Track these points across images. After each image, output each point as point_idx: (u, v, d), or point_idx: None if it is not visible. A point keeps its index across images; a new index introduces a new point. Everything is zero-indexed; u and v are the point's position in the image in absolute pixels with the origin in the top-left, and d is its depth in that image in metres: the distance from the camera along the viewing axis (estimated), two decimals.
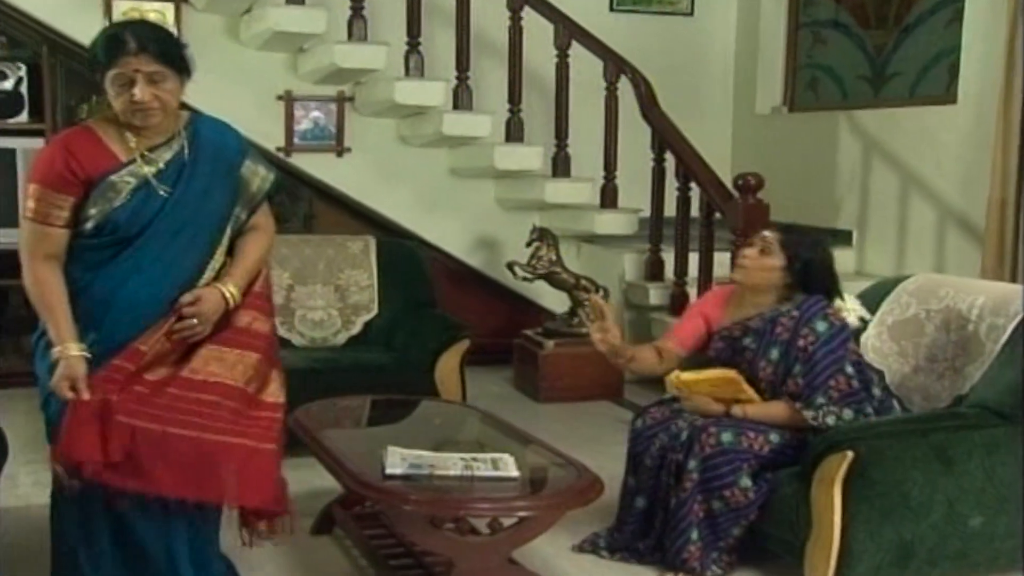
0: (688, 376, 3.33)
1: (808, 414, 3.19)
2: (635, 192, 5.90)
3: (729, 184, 5.22)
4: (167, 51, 2.53)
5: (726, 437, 3.19)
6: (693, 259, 5.47)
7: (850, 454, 2.98)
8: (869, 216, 6.11)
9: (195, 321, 2.57)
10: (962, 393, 3.36)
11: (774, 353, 3.30)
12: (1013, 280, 4.91)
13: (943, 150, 5.61)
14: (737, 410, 3.29)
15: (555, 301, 5.92)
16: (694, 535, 3.19)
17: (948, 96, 5.63)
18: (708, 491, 3.18)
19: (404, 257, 5.15)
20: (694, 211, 5.48)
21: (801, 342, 3.23)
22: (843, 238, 6.09)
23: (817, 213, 6.26)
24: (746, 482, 3.16)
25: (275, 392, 2.75)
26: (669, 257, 5.69)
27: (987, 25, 5.29)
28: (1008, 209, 5.01)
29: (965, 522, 3.09)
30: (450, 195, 6.10)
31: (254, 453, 2.60)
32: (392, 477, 2.86)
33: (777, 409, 3.27)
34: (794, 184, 6.22)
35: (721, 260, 5.24)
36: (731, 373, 3.30)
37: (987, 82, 5.25)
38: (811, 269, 3.33)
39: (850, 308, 3.41)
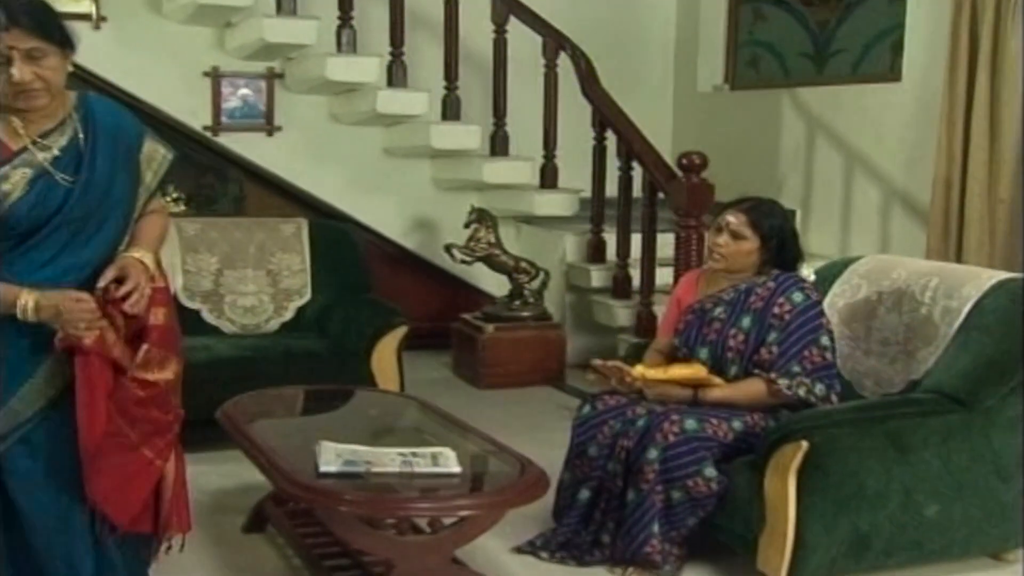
0: (654, 374, 3.22)
1: (783, 383, 3.10)
2: (576, 172, 5.77)
3: (672, 163, 5.10)
4: (43, 23, 2.25)
5: (689, 424, 3.07)
6: (636, 240, 5.36)
7: (805, 444, 2.87)
8: (813, 196, 6.05)
9: (135, 294, 2.36)
10: (916, 378, 3.27)
11: (745, 321, 3.21)
12: (958, 260, 4.85)
13: (887, 128, 5.55)
14: (705, 395, 3.18)
15: (495, 284, 5.79)
16: (655, 528, 3.07)
17: (892, 74, 5.57)
18: (669, 481, 3.05)
19: (338, 240, 4.98)
20: (636, 191, 5.36)
21: (776, 310, 3.17)
22: None
23: (760, 193, 6.04)
24: (710, 472, 3.04)
25: None
26: (611, 238, 5.57)
27: (931, 1, 5.21)
28: (953, 188, 4.95)
29: (921, 511, 3.00)
30: (385, 175, 5.94)
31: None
32: (326, 475, 2.70)
33: (748, 387, 3.17)
34: (736, 163, 6.11)
35: (664, 241, 5.18)
36: (699, 372, 3.19)
37: (931, 59, 5.19)
38: (784, 238, 3.28)
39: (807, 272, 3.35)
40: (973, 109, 4.83)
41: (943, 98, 4.95)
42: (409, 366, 4.63)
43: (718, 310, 3.29)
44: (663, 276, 5.17)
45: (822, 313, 3.20)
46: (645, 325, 5.20)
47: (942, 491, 3.01)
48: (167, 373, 2.41)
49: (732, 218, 3.27)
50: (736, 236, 3.25)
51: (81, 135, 2.37)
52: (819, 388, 3.10)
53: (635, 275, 5.39)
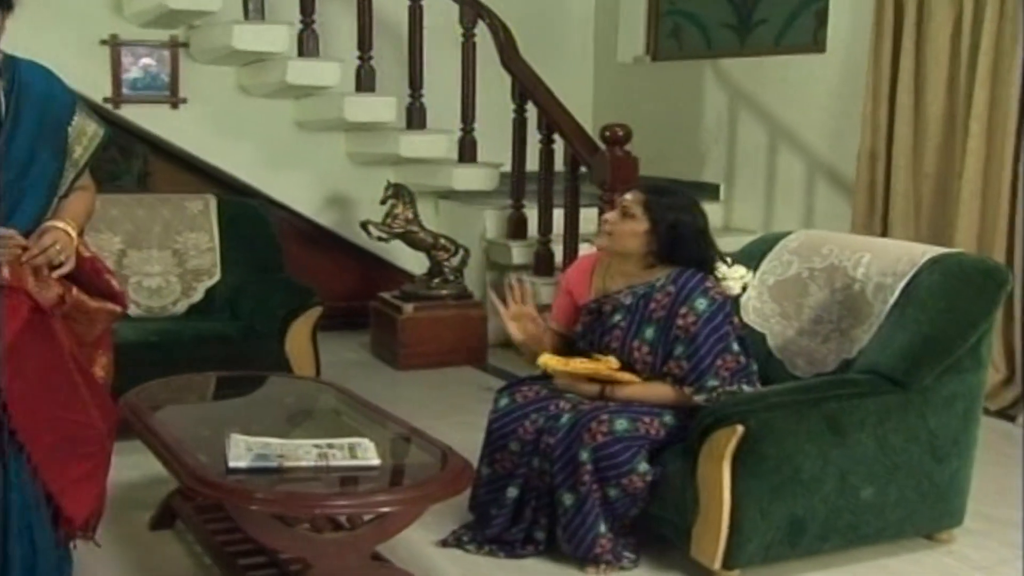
0: (556, 365, 3.08)
1: (700, 398, 2.95)
2: (495, 145, 5.62)
3: (594, 136, 4.97)
4: None
5: (620, 424, 2.93)
6: (558, 215, 5.24)
7: (740, 428, 2.76)
8: (736, 169, 5.96)
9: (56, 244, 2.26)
10: (849, 357, 3.18)
11: (648, 332, 3.04)
12: (884, 234, 4.81)
13: (812, 101, 5.48)
14: (612, 391, 3.04)
15: (413, 262, 5.62)
16: (602, 528, 2.93)
17: (816, 45, 5.49)
18: (604, 480, 2.91)
19: (248, 217, 4.77)
20: (558, 165, 5.24)
21: (680, 321, 2.98)
22: (710, 192, 5.93)
23: (683, 166, 6.09)
24: (643, 467, 2.91)
25: None
26: (532, 213, 5.44)
27: None
28: (878, 162, 4.89)
29: (857, 494, 2.93)
30: (297, 149, 5.72)
31: None
32: (236, 471, 2.52)
33: (660, 390, 3.02)
34: (658, 136, 6.00)
35: (588, 216, 5.06)
36: (604, 367, 3.05)
37: (856, 30, 5.12)
38: (678, 233, 3.02)
39: (734, 276, 3.17)
40: (898, 81, 4.77)
41: (868, 69, 4.89)
42: (325, 348, 4.47)
43: (617, 316, 3.10)
44: (586, 252, 5.02)
45: (729, 315, 3.02)
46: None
47: (878, 473, 2.94)
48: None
49: (629, 195, 3.11)
50: (626, 215, 3.07)
51: (4, 103, 2.17)
52: (745, 389, 2.96)
53: (557, 251, 5.27)
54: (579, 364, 3.06)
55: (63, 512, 2.37)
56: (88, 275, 2.45)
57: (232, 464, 2.53)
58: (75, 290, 2.38)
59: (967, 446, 3.08)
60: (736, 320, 3.07)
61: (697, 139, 6.20)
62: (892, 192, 4.83)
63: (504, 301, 3.24)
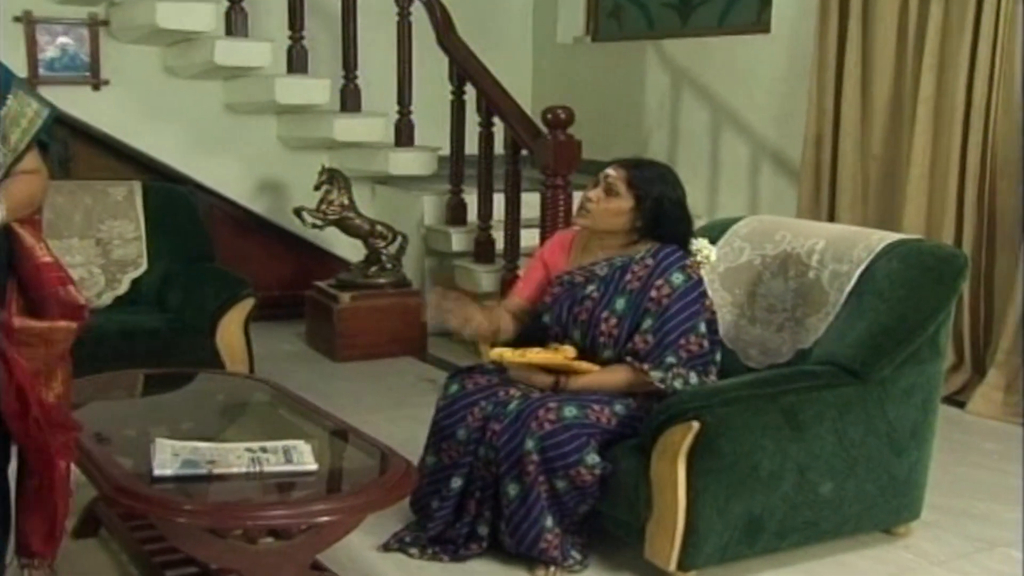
0: (511, 357, 2.93)
1: (656, 375, 2.83)
2: (433, 128, 5.48)
3: (535, 118, 4.83)
4: None
5: (569, 411, 2.80)
6: (498, 201, 5.11)
7: (696, 425, 2.64)
8: (680, 153, 5.84)
9: None
10: (805, 347, 3.08)
11: (619, 303, 2.93)
12: (831, 219, 4.73)
13: (756, 82, 5.39)
14: (567, 382, 2.91)
15: (349, 249, 5.46)
16: (548, 522, 2.80)
17: (760, 25, 5.40)
18: (551, 471, 2.78)
19: (176, 204, 4.58)
20: (498, 148, 5.11)
21: (654, 293, 2.88)
22: None
23: (624, 149, 5.86)
24: (592, 459, 2.78)
25: None
26: (472, 199, 5.31)
27: None
28: (824, 145, 4.81)
29: (815, 489, 2.83)
30: (227, 133, 5.52)
31: None
32: (161, 480, 2.34)
33: (615, 376, 2.90)
34: (599, 119, 5.87)
35: (529, 201, 4.93)
36: (560, 357, 2.91)
37: (802, 10, 5.03)
38: (663, 208, 2.94)
39: (703, 249, 3.05)
40: (845, 63, 4.69)
41: (814, 50, 4.81)
42: (260, 339, 4.31)
43: (590, 287, 3.00)
44: (528, 238, 4.93)
45: (704, 295, 2.93)
46: (510, 290, 4.93)
47: (837, 467, 2.84)
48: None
49: (612, 171, 2.98)
50: (609, 192, 2.96)
51: None
52: (692, 377, 2.85)
53: (498, 238, 5.15)
54: (535, 355, 2.93)
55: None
56: (40, 285, 2.28)
57: (157, 472, 2.35)
58: (16, 319, 2.23)
59: (925, 438, 3.00)
60: (709, 302, 2.96)
61: (639, 122, 6.08)
62: (839, 176, 4.75)
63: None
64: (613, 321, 2.93)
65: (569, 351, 2.93)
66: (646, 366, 2.84)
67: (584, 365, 2.91)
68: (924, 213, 4.44)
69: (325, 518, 2.29)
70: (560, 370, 2.91)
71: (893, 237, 3.08)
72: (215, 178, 5.49)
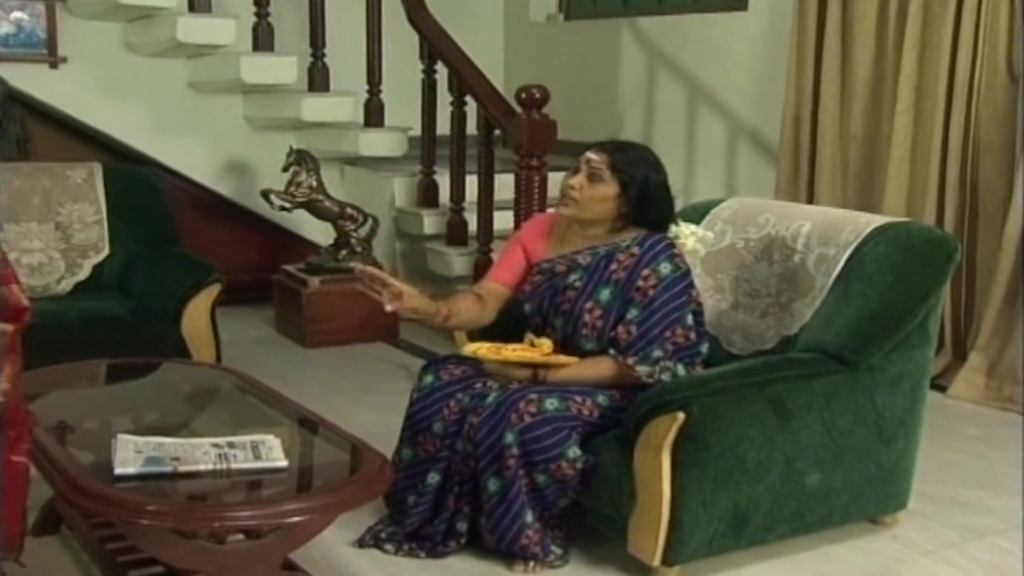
0: (486, 354, 2.83)
1: (643, 370, 2.74)
2: (404, 108, 5.36)
3: (508, 97, 4.71)
4: None
5: (550, 403, 2.70)
6: (471, 182, 4.99)
7: (681, 415, 2.55)
8: (655, 132, 5.74)
9: None
10: (790, 333, 3.00)
11: (604, 293, 2.83)
12: (810, 200, 4.65)
13: (733, 61, 5.29)
14: (545, 375, 2.81)
15: (319, 232, 5.34)
16: (529, 518, 2.70)
17: (738, 2, 5.29)
18: (531, 465, 2.68)
19: (138, 186, 4.42)
20: (471, 128, 4.99)
21: (641, 283, 2.78)
22: None
23: (598, 129, 5.81)
24: (574, 452, 2.68)
25: None
26: (444, 180, 5.20)
27: None
28: (803, 125, 4.73)
29: (802, 480, 2.75)
30: (191, 113, 5.38)
31: None
32: (123, 479, 2.22)
33: (598, 368, 2.80)
34: (573, 99, 5.76)
35: (503, 182, 4.83)
36: (537, 354, 2.81)
37: None
38: (649, 191, 2.84)
39: (687, 233, 2.97)
40: (824, 40, 4.60)
41: (792, 28, 4.71)
42: (227, 325, 4.20)
43: (573, 276, 2.89)
44: (502, 221, 4.82)
45: (691, 286, 2.83)
46: (483, 274, 4.81)
47: (824, 458, 2.76)
48: None
49: (594, 156, 2.87)
50: (593, 178, 2.85)
51: None
52: (680, 369, 2.77)
53: (471, 220, 5.04)
54: (511, 352, 2.82)
55: None
56: None
57: (119, 470, 2.23)
58: None
59: (914, 426, 2.93)
60: (696, 294, 2.87)
61: (613, 101, 5.98)
62: (818, 156, 4.67)
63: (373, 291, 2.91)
64: (597, 312, 2.83)
65: (546, 346, 2.83)
66: (631, 360, 2.75)
67: (563, 359, 2.82)
68: (905, 194, 4.37)
69: (296, 518, 2.18)
70: (538, 365, 2.81)
71: (881, 220, 3.00)
72: (179, 159, 5.34)
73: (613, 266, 2.83)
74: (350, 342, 4.91)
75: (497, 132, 4.76)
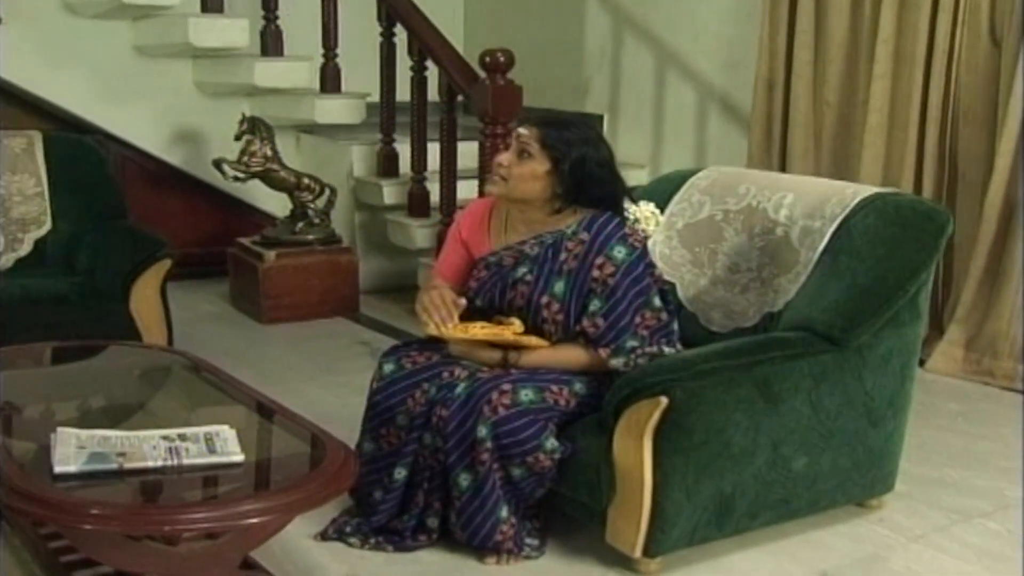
0: (452, 334, 2.65)
1: (617, 362, 2.59)
2: (361, 73, 5.17)
3: (470, 61, 4.54)
4: None
5: (526, 395, 2.54)
6: (433, 150, 4.82)
7: (664, 400, 2.40)
8: (621, 99, 5.58)
9: None
10: (774, 310, 2.86)
11: (558, 286, 2.65)
12: (782, 168, 4.52)
13: (703, 24, 5.12)
14: (517, 358, 2.65)
15: (274, 203, 5.15)
16: (503, 513, 2.56)
17: None
18: (506, 458, 2.53)
19: (82, 156, 4.20)
20: (432, 94, 4.82)
21: (596, 273, 2.61)
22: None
23: (562, 96, 5.71)
24: (552, 444, 2.53)
25: None
26: (405, 149, 5.01)
27: None
28: (776, 90, 4.58)
29: (789, 465, 2.62)
30: (138, 78, 5.15)
31: None
32: (64, 477, 2.05)
33: (571, 354, 2.65)
34: (535, 64, 5.56)
35: (467, 150, 4.65)
36: (506, 333, 2.64)
37: None
38: (585, 169, 2.63)
39: (645, 214, 2.82)
40: (798, 3, 4.44)
41: None
42: (180, 300, 4.07)
43: (522, 270, 2.70)
44: (465, 190, 4.67)
45: (650, 264, 2.66)
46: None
47: (812, 441, 2.63)
48: None
49: (523, 131, 2.67)
50: (522, 154, 2.65)
51: None
52: (666, 350, 2.61)
53: (433, 190, 4.87)
54: (479, 330, 2.65)
55: None
56: None
57: (59, 469, 2.06)
58: None
59: (902, 406, 2.81)
60: (658, 272, 2.71)
61: (578, 67, 5.80)
62: (791, 123, 4.53)
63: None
64: (555, 307, 2.65)
65: (517, 325, 2.66)
66: (603, 353, 2.59)
67: (534, 340, 2.66)
68: (881, 162, 4.24)
69: (254, 519, 2.01)
70: (508, 345, 2.65)
71: (868, 191, 2.86)
72: (126, 127, 5.12)
73: (563, 255, 2.65)
74: (309, 317, 4.74)
75: (460, 98, 4.57)
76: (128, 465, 2.09)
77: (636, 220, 2.78)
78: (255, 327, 4.71)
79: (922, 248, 2.69)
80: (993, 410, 3.72)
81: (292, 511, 2.08)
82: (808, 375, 2.58)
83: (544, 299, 2.66)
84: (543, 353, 2.65)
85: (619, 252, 2.60)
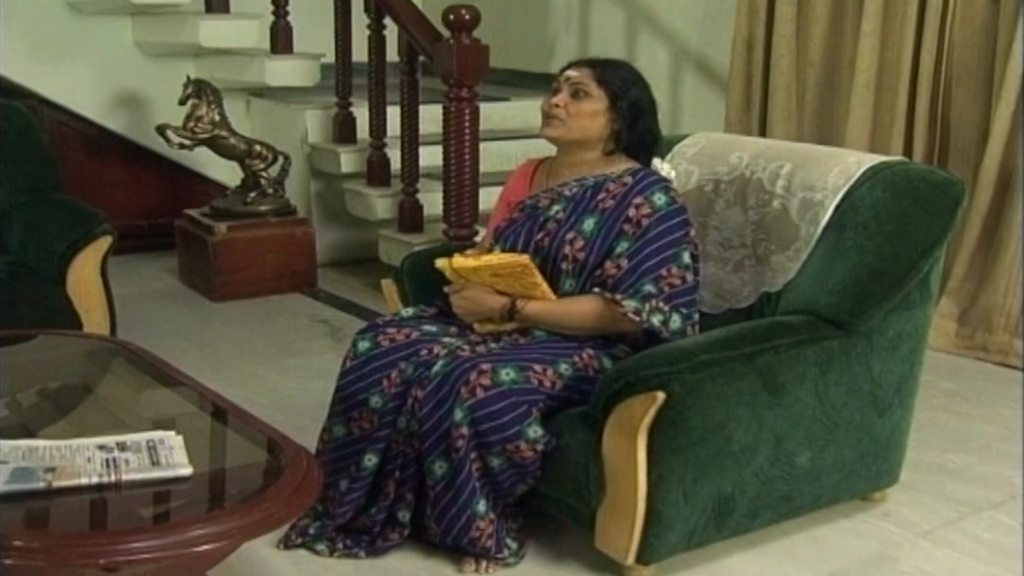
0: (463, 263, 2.50)
1: (630, 305, 2.38)
2: (315, 32, 4.94)
3: (433, 20, 4.25)
4: None
5: (507, 375, 2.31)
6: (393, 114, 4.53)
7: (661, 395, 2.17)
8: None
9: None
10: (771, 290, 2.63)
11: (588, 223, 2.50)
12: (762, 132, 4.29)
13: None
14: (524, 304, 2.48)
15: (225, 172, 4.86)
16: (480, 507, 2.33)
17: None
18: (484, 446, 2.30)
19: (11, 122, 3.85)
20: (391, 55, 4.54)
21: (632, 212, 2.46)
22: None
23: (527, 57, 5.44)
24: (535, 432, 2.30)
25: None
26: (362, 113, 4.74)
27: None
28: (755, 50, 4.34)
29: (792, 460, 2.41)
30: (73, 37, 4.86)
31: None
32: None
33: (580, 306, 2.46)
34: (498, 22, 5.31)
35: (430, 114, 4.38)
36: (522, 258, 2.47)
37: None
38: (640, 107, 2.56)
39: (667, 169, 2.66)
40: None
41: None
42: (125, 276, 3.90)
43: (555, 208, 2.56)
44: (429, 157, 4.41)
45: (688, 223, 2.50)
46: (410, 218, 4.40)
47: (816, 434, 2.42)
48: None
49: (574, 72, 2.57)
50: (577, 95, 2.54)
51: None
52: (674, 320, 2.41)
53: (394, 157, 4.59)
54: (494, 259, 2.49)
55: None
56: None
57: None
58: None
59: (910, 393, 2.60)
60: (694, 234, 2.54)
61: (544, 25, 5.53)
62: (772, 85, 4.29)
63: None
64: (579, 243, 2.48)
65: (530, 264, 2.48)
66: (618, 295, 2.39)
67: (545, 286, 2.48)
68: (868, 126, 4.02)
69: (205, 546, 1.75)
70: (513, 295, 2.49)
71: (874, 159, 2.63)
72: (60, 90, 4.85)
73: (601, 195, 2.52)
74: (263, 294, 4.51)
75: (422, 59, 4.29)
76: (58, 483, 1.83)
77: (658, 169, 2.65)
78: (206, 305, 4.44)
79: (936, 223, 2.46)
80: (990, 388, 3.54)
81: (247, 535, 1.82)
82: (814, 363, 2.36)
83: (570, 234, 2.50)
84: (551, 304, 2.48)
85: (659, 198, 2.48)
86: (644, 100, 2.58)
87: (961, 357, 3.81)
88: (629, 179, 2.52)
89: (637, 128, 2.56)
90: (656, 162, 2.62)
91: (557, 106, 2.54)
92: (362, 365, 2.49)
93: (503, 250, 2.58)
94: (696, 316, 2.47)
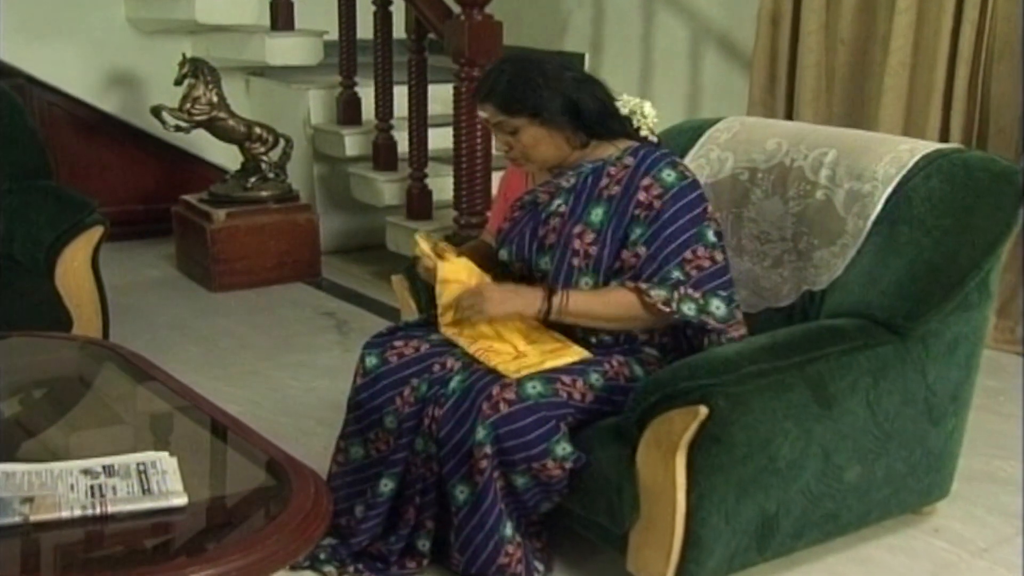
0: (455, 269, 2.34)
1: (659, 294, 2.17)
2: (317, 8, 4.77)
3: None
4: None
5: (533, 388, 2.12)
6: (400, 95, 4.37)
7: (703, 410, 1.97)
8: (605, 36, 5.11)
9: None
10: (815, 289, 2.43)
11: (596, 213, 2.28)
12: (789, 115, 4.08)
13: None
14: (567, 295, 2.24)
15: (224, 155, 4.69)
16: (507, 531, 2.15)
17: None
18: (508, 465, 2.11)
19: None
20: (398, 32, 4.39)
21: (642, 196, 2.25)
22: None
23: (540, 33, 5.22)
24: (563, 449, 2.11)
25: None
26: (368, 93, 4.59)
27: None
28: (781, 26, 4.12)
29: (840, 476, 2.22)
30: (63, 13, 4.69)
31: None
32: None
33: (620, 296, 2.21)
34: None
35: (439, 95, 4.21)
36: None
37: None
38: (572, 101, 2.26)
39: (632, 107, 2.61)
40: None
41: None
42: (120, 264, 3.78)
43: (556, 202, 2.34)
44: (438, 140, 4.26)
45: (704, 198, 2.28)
46: (418, 204, 4.20)
47: (867, 447, 2.23)
48: None
49: (483, 113, 2.35)
50: (509, 133, 2.31)
51: None
52: (716, 305, 2.19)
53: (401, 140, 4.43)
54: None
55: None
56: None
57: None
58: None
59: (965, 401, 2.41)
60: (712, 209, 2.31)
61: (557, 1, 5.29)
62: (799, 63, 4.07)
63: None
64: (589, 237, 2.27)
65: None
66: (643, 285, 2.18)
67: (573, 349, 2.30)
68: (903, 106, 3.80)
69: None
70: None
71: (928, 147, 2.42)
72: (50, 70, 4.69)
73: (603, 181, 2.30)
74: (265, 284, 4.35)
75: (431, 36, 4.09)
76: (36, 517, 1.65)
77: (631, 111, 2.52)
78: (204, 295, 4.27)
79: (998, 217, 2.26)
80: None
81: (252, 572, 1.63)
82: (867, 371, 2.17)
83: (577, 228, 2.28)
84: (591, 293, 2.25)
85: (668, 175, 2.26)
86: (566, 89, 2.27)
87: (1000, 353, 3.62)
88: (631, 159, 2.30)
89: (584, 117, 2.29)
90: (625, 97, 2.45)
91: (509, 149, 2.34)
92: (372, 383, 2.31)
93: (508, 254, 2.39)
94: (737, 298, 2.27)
